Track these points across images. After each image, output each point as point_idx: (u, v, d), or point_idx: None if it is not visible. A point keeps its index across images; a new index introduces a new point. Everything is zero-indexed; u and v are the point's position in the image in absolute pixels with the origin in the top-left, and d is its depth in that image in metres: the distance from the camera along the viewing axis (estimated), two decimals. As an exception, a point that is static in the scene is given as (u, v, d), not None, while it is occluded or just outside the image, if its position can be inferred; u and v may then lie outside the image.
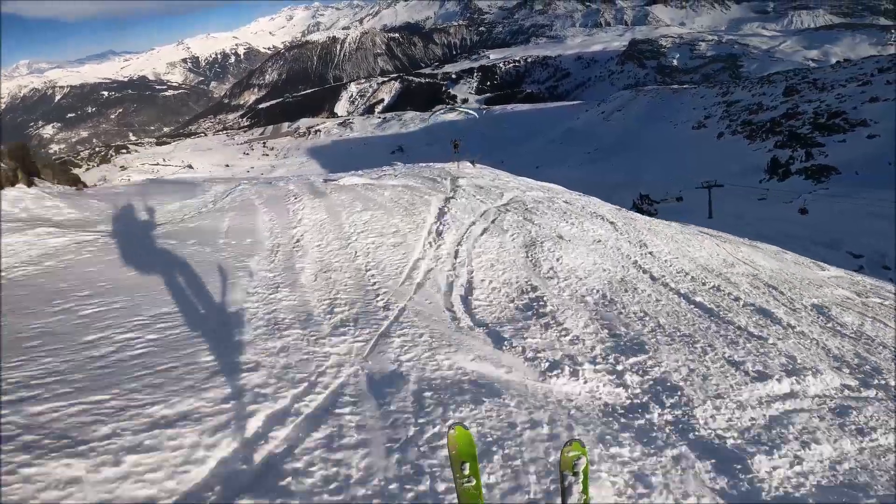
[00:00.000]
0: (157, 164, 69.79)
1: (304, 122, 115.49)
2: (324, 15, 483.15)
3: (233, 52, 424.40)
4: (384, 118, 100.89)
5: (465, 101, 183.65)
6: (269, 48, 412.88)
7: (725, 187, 26.91)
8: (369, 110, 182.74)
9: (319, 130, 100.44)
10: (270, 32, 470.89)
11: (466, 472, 1.79)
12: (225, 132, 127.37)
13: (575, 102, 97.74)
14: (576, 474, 1.72)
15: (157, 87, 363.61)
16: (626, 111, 69.86)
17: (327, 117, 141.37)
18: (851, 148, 27.18)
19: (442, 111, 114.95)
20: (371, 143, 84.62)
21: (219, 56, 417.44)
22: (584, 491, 1.73)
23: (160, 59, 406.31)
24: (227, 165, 75.39)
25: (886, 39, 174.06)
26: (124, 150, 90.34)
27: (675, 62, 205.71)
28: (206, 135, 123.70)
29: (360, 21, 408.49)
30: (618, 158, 52.95)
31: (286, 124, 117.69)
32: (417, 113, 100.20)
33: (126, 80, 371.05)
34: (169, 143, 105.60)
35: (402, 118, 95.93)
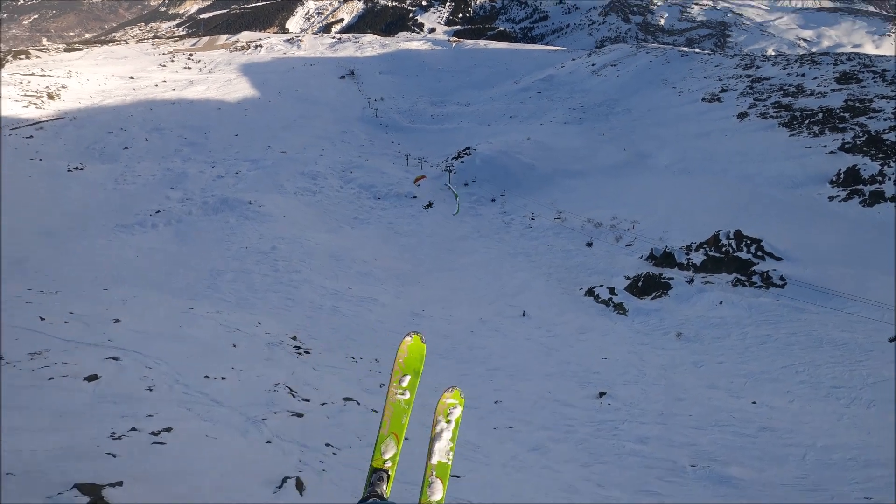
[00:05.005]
0: (32, 75, 56.48)
1: (245, 35, 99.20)
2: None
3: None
4: (339, 38, 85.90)
5: (432, 30, 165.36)
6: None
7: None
8: (326, 29, 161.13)
9: (261, 45, 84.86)
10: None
11: (405, 384, 1.76)
12: (152, 41, 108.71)
13: (558, 49, 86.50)
14: (449, 422, 1.75)
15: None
16: (621, 68, 59.33)
17: (276, 32, 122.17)
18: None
19: (406, 39, 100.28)
20: (319, 64, 70.82)
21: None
22: (453, 439, 1.74)
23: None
24: (132, 77, 61.37)
25: (887, 30, 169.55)
26: (23, 56, 74.55)
27: (662, 21, 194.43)
28: (127, 42, 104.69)
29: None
30: (608, 124, 43.23)
31: (224, 36, 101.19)
32: (377, 37, 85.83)
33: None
34: (80, 49, 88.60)
35: (359, 41, 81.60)
